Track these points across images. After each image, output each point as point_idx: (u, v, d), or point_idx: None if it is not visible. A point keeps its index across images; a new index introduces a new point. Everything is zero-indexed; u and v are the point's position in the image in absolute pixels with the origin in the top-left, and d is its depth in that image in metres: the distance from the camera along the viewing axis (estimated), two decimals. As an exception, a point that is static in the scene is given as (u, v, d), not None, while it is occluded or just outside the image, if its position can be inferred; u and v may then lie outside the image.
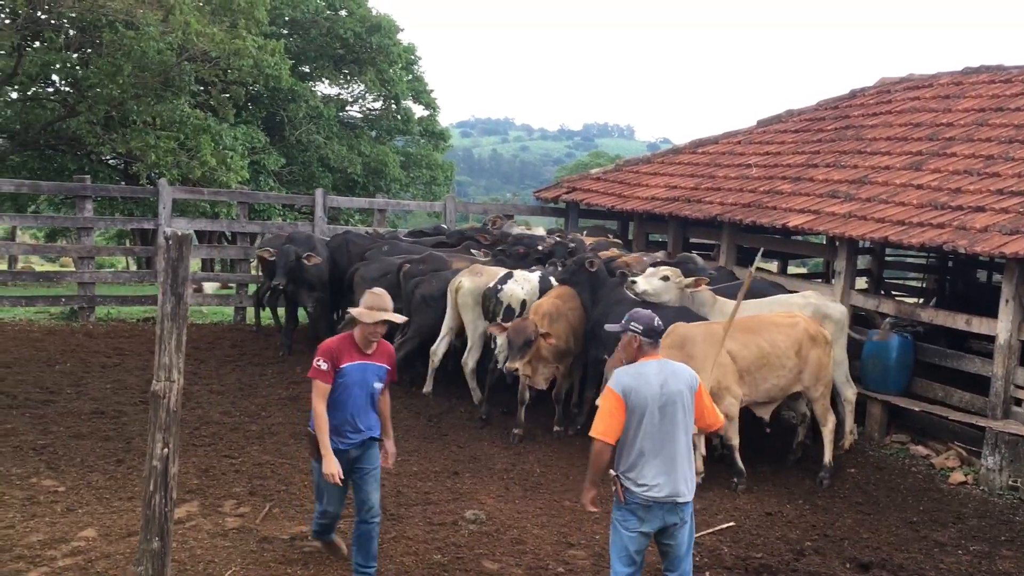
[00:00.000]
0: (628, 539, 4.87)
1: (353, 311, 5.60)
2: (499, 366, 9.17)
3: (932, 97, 12.81)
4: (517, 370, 8.43)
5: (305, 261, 11.13)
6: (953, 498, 7.98)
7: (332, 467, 5.35)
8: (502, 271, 9.89)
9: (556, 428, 9.07)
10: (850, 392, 9.15)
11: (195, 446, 7.99)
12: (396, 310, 11.01)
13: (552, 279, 9.70)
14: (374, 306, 5.52)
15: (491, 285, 9.55)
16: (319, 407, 5.43)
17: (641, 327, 4.93)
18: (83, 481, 7.05)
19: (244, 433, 8.47)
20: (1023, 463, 8.04)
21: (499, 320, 9.11)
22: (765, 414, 8.20)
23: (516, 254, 10.94)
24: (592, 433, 4.88)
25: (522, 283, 9.67)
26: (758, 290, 9.66)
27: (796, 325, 8.05)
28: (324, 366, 5.42)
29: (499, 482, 7.70)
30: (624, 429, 4.81)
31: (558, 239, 11.22)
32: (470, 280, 9.72)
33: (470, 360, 9.71)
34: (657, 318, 5.03)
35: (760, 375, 7.84)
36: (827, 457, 8.16)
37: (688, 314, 8.54)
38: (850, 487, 8.16)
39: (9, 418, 8.43)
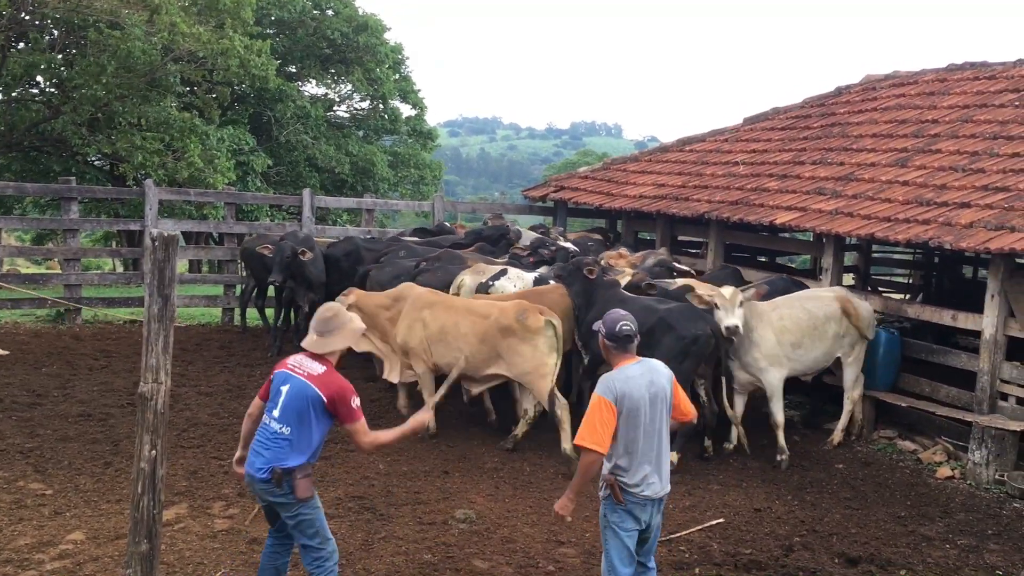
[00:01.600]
0: (627, 538, 4.87)
1: None
2: None
3: (917, 94, 12.87)
4: None
5: (301, 257, 11.09)
6: (940, 493, 8.03)
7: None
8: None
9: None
10: (856, 393, 9.21)
11: (183, 448, 7.97)
12: None
13: (551, 281, 9.67)
14: None
15: (484, 280, 9.56)
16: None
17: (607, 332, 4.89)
18: (71, 484, 7.02)
19: (232, 435, 8.42)
20: (1009, 457, 8.08)
21: None
22: (473, 387, 8.76)
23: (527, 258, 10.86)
24: (584, 443, 4.74)
25: (515, 280, 9.69)
26: (783, 288, 9.70)
27: (488, 316, 8.31)
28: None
29: (489, 481, 7.71)
30: (619, 432, 4.77)
31: (557, 244, 11.05)
32: (471, 278, 9.74)
33: None
34: (623, 322, 4.88)
35: (437, 349, 8.54)
36: (564, 444, 7.95)
37: (693, 311, 8.45)
38: (838, 482, 8.20)
39: (-5, 421, 8.39)
